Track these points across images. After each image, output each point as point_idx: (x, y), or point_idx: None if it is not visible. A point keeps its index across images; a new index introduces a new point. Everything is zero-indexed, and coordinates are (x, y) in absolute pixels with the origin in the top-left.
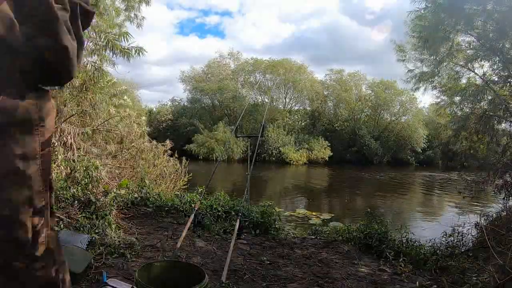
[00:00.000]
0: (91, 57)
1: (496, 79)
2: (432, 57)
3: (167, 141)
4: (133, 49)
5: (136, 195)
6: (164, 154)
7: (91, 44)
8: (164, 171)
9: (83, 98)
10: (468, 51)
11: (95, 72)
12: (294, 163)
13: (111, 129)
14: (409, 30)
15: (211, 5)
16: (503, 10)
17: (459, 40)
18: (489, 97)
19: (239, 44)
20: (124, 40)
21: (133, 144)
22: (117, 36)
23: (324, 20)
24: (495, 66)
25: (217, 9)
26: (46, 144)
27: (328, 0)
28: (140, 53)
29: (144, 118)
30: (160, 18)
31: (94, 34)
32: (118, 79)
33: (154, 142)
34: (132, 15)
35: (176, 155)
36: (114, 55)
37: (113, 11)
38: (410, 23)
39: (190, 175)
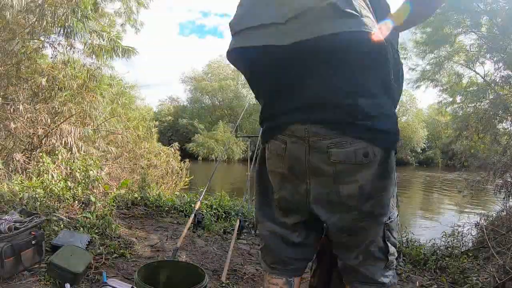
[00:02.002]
0: (91, 58)
1: (498, 79)
2: (433, 55)
3: (175, 144)
4: (133, 49)
5: (136, 195)
6: (167, 155)
7: (88, 49)
8: (165, 172)
9: (82, 98)
10: (471, 50)
11: (94, 72)
12: None
13: (112, 130)
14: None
15: (211, 7)
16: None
17: (462, 38)
18: (491, 97)
19: None
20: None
21: (138, 148)
22: (118, 35)
23: None
24: (497, 65)
25: (216, 11)
26: None
27: None
28: (133, 53)
29: (156, 122)
30: (160, 20)
31: (94, 37)
32: (118, 78)
33: (160, 145)
34: (132, 18)
35: (178, 155)
36: (116, 55)
37: (112, 16)
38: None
39: (192, 176)
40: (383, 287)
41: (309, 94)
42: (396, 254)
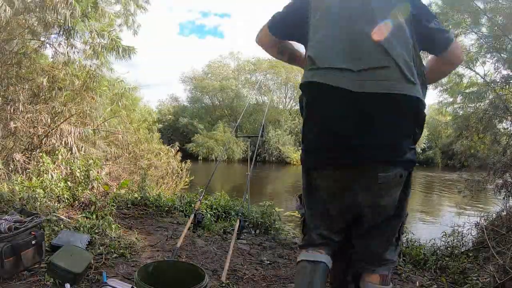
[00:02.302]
0: (91, 60)
1: (498, 79)
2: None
3: (176, 144)
4: (133, 49)
5: (136, 195)
6: (167, 157)
7: (88, 48)
8: (166, 172)
9: (82, 99)
10: (471, 50)
11: (94, 72)
12: (294, 163)
13: (112, 130)
14: None
15: (211, 7)
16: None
17: (462, 38)
18: (490, 97)
19: (239, 45)
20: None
21: (138, 148)
22: (117, 35)
23: None
24: (497, 65)
25: (216, 11)
26: None
27: None
28: (133, 52)
29: (159, 126)
30: (160, 20)
31: (95, 36)
32: (118, 78)
33: (161, 144)
34: (130, 20)
35: (179, 156)
36: (116, 54)
37: (110, 15)
38: None
39: (193, 177)
40: (394, 263)
41: (365, 136)
42: (402, 240)
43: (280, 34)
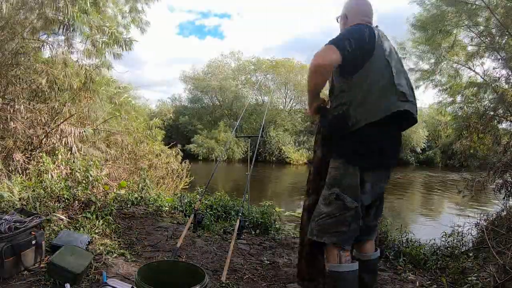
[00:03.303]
0: (91, 58)
1: (498, 77)
2: (433, 55)
3: (179, 146)
4: (131, 41)
5: (136, 195)
6: (167, 155)
7: (89, 45)
8: (166, 173)
9: (80, 101)
10: (469, 48)
11: (93, 73)
12: (294, 163)
13: (112, 131)
14: (410, 26)
15: (211, 8)
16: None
17: (460, 37)
18: (490, 96)
19: (239, 45)
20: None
21: (138, 149)
22: (119, 32)
23: (322, 22)
24: (496, 64)
25: (216, 11)
26: None
27: (324, 1)
28: (129, 47)
29: (162, 132)
30: (160, 20)
31: (95, 31)
32: (117, 78)
33: (162, 146)
34: (136, 17)
35: (179, 155)
36: (119, 46)
37: (117, 13)
38: (412, 17)
39: (193, 177)
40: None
41: (399, 145)
42: None
43: (347, 58)
